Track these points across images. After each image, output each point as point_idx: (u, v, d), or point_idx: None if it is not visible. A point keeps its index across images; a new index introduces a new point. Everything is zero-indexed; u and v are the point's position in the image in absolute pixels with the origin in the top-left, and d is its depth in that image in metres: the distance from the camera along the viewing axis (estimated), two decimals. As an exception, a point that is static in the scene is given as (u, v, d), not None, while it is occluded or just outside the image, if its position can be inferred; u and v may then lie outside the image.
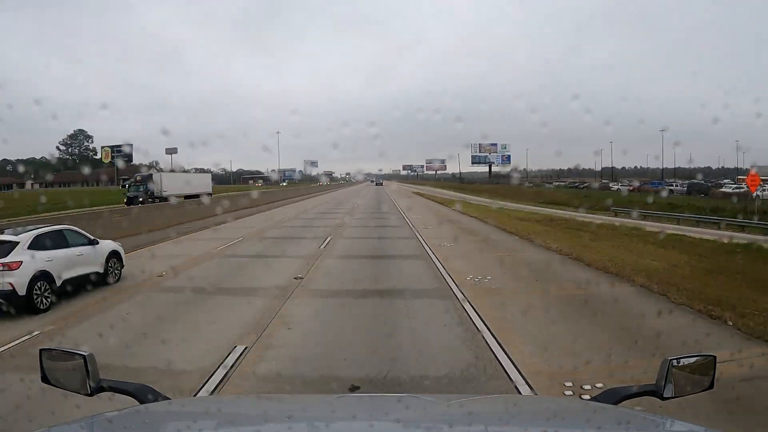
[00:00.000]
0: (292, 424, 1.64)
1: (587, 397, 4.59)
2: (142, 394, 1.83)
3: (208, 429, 1.65)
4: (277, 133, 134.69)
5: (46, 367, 1.84)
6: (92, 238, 10.34)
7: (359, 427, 1.58)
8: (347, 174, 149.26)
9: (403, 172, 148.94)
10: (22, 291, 8.21)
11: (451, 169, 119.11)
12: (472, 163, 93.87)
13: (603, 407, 1.77)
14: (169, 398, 1.91)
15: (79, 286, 9.57)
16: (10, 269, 8.21)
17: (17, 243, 8.61)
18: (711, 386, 1.80)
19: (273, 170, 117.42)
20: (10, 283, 8.11)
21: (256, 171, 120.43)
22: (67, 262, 9.37)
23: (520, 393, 5.08)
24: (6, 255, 8.35)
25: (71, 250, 9.60)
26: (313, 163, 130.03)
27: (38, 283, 8.49)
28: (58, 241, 9.44)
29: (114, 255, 10.80)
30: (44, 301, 8.55)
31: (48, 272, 8.75)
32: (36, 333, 7.34)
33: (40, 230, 9.24)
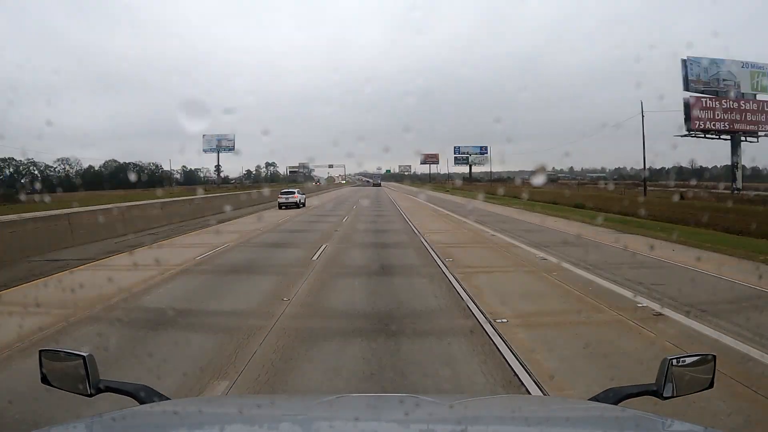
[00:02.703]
0: (292, 424, 1.69)
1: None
2: (142, 395, 1.86)
3: (207, 429, 1.70)
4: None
5: (45, 367, 1.84)
6: (302, 192, 37.31)
7: (360, 428, 1.62)
8: (303, 166, 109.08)
9: (422, 167, 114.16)
10: (299, 202, 35.16)
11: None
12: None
13: (603, 407, 1.80)
14: (168, 398, 1.95)
15: (301, 205, 36.18)
16: (296, 197, 35.09)
17: (296, 191, 35.90)
18: (711, 386, 1.83)
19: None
20: (298, 201, 35.12)
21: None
22: (301, 197, 36.09)
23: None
24: (294, 194, 35.21)
25: (301, 195, 36.36)
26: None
27: (300, 201, 35.35)
28: (300, 191, 36.39)
29: (305, 199, 37.61)
30: (300, 206, 35.23)
31: (302, 199, 35.82)
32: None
33: (297, 188, 36.76)
